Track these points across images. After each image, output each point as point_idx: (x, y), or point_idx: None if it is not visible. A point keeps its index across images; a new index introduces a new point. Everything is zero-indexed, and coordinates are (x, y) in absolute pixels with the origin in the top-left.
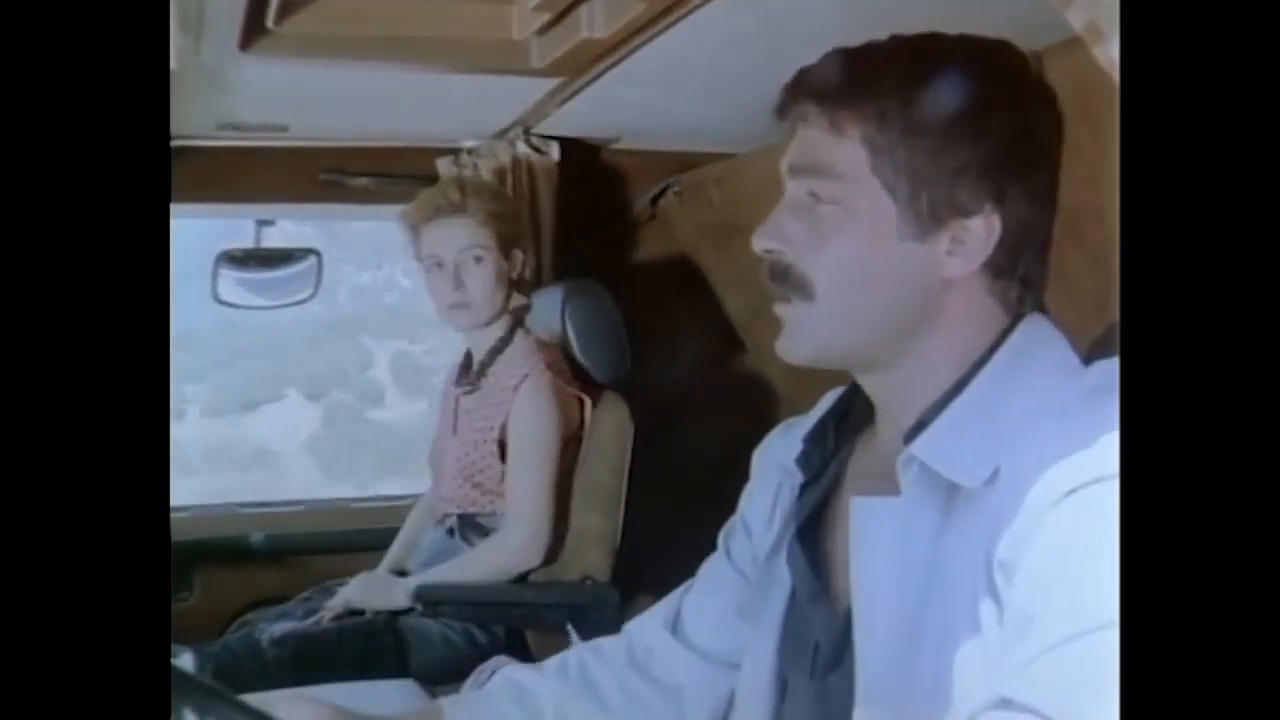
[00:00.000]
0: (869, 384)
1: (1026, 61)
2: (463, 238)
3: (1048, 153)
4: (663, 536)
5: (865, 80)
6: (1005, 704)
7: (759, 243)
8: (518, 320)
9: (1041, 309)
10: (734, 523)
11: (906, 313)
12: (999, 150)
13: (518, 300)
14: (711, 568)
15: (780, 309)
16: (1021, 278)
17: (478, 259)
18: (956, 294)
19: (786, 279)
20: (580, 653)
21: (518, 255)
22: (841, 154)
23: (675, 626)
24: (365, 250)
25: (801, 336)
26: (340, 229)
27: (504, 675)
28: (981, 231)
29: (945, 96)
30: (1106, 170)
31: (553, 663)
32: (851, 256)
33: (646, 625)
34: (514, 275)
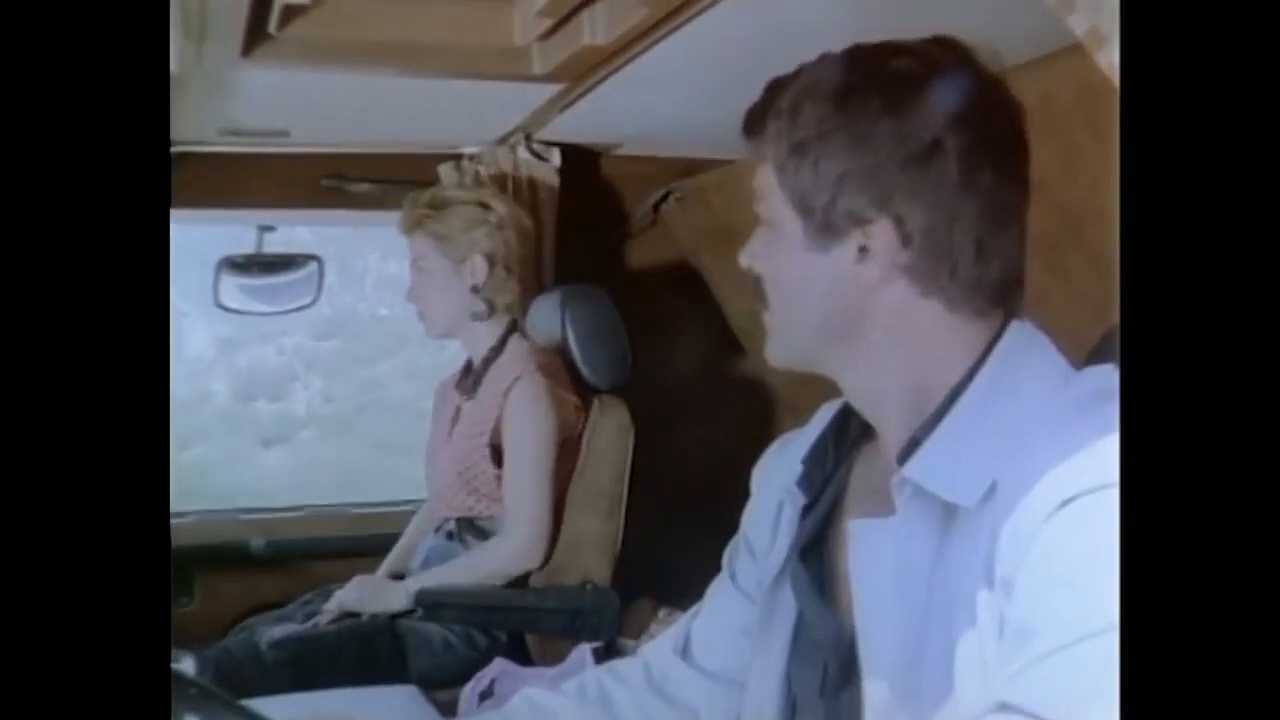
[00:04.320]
0: (852, 396)
1: (936, 58)
2: (413, 250)
3: (946, 148)
4: (663, 540)
5: (774, 103)
6: (1003, 708)
7: (742, 260)
8: (512, 326)
9: (1015, 307)
10: (737, 543)
11: (837, 319)
12: (877, 156)
13: (477, 307)
14: (717, 591)
15: (765, 318)
16: (965, 279)
17: (421, 270)
18: (883, 300)
19: (758, 291)
20: (598, 674)
21: (471, 267)
22: (765, 175)
23: (685, 651)
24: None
25: (771, 342)
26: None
27: (523, 696)
28: (881, 237)
29: (821, 109)
30: (1107, 174)
31: (571, 684)
32: (782, 269)
33: (659, 649)
34: (474, 284)
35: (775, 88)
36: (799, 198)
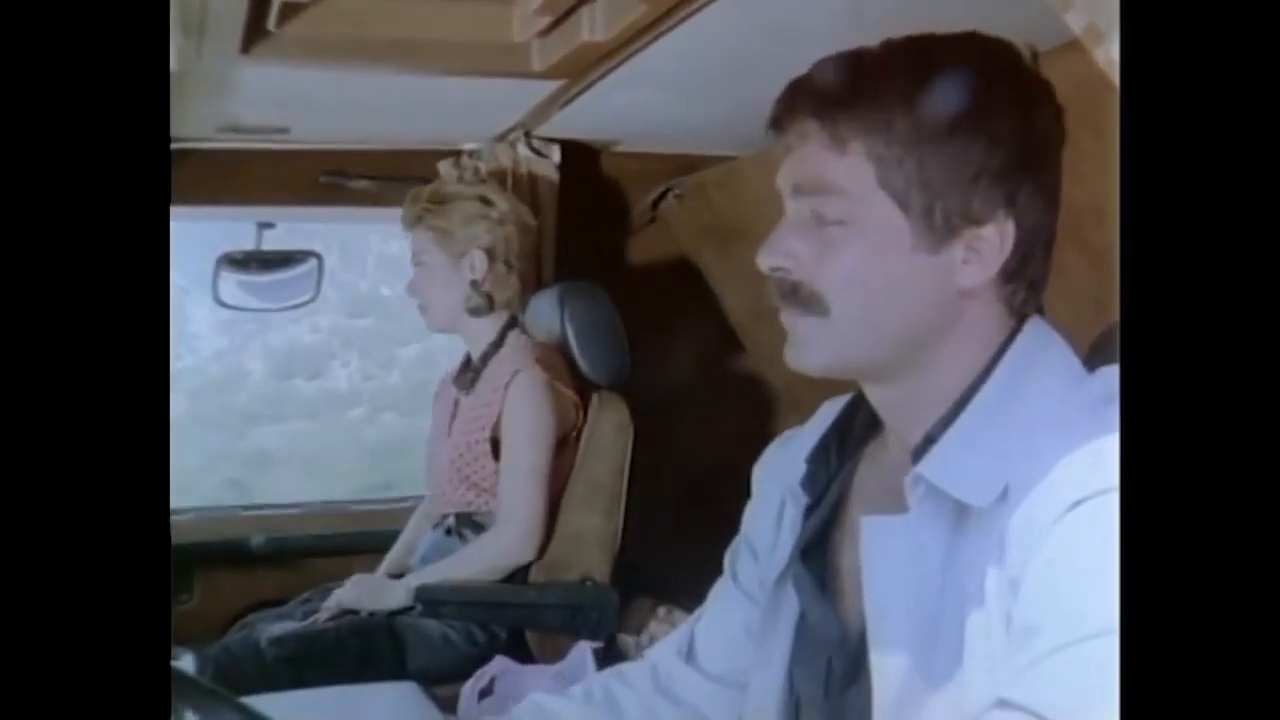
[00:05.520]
0: (877, 397)
1: (1023, 58)
2: (413, 245)
3: (1053, 150)
4: (663, 537)
5: (865, 90)
6: (1004, 705)
7: (765, 261)
8: (511, 322)
9: (1039, 309)
10: (738, 544)
11: (925, 324)
12: (1010, 153)
13: (475, 302)
14: (719, 593)
15: (788, 320)
16: (1029, 280)
17: (422, 264)
18: (973, 302)
19: (796, 296)
20: (605, 679)
21: (470, 262)
22: (845, 170)
23: (689, 654)
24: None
25: (815, 350)
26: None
27: (531, 701)
28: (995, 238)
29: (952, 101)
30: (1107, 171)
31: (578, 689)
32: (864, 272)
33: (664, 652)
34: (473, 279)
35: (849, 72)
36: (914, 196)
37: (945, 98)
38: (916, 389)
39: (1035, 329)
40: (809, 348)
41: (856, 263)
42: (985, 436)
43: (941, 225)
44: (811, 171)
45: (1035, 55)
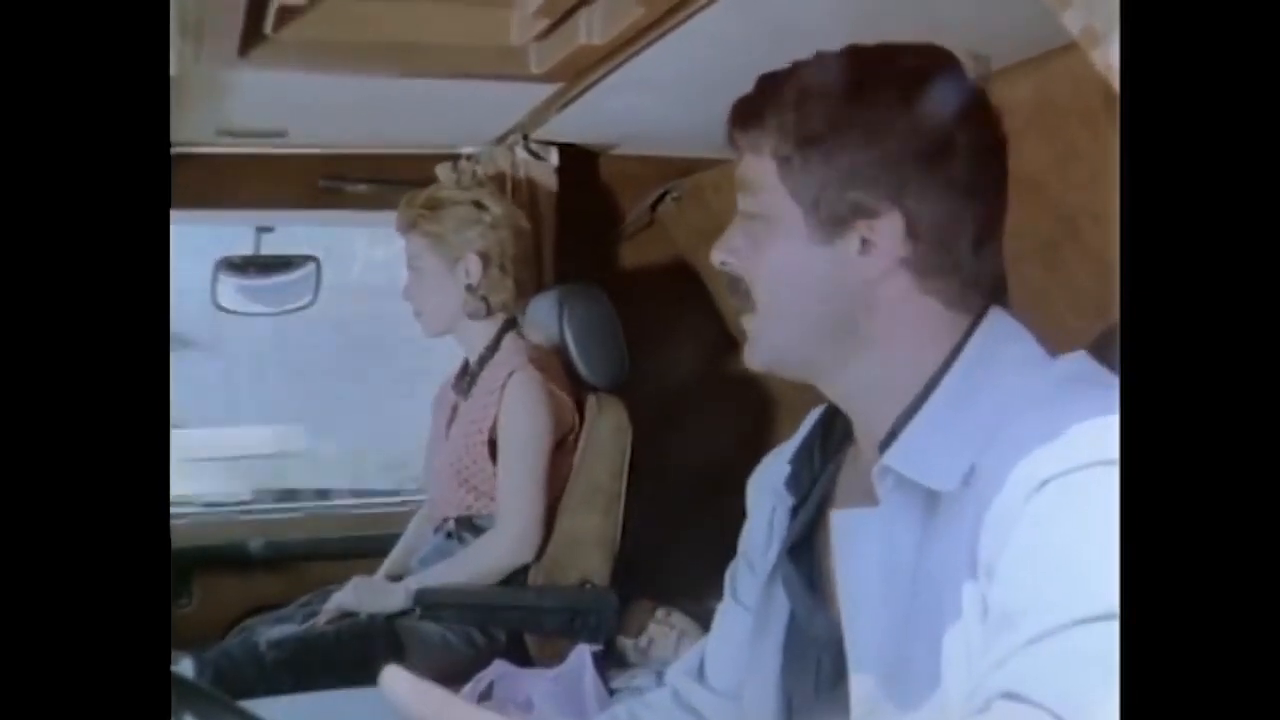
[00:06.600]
0: (834, 395)
1: (938, 61)
2: (408, 250)
3: (956, 146)
4: (662, 540)
5: (772, 97)
6: (1009, 697)
7: (714, 256)
8: (507, 325)
9: (1001, 304)
10: (736, 563)
11: (836, 314)
12: (892, 149)
13: (471, 306)
14: (722, 614)
15: (743, 320)
16: (963, 276)
17: (416, 269)
18: (884, 294)
19: (738, 290)
20: (629, 704)
21: (465, 267)
22: (760, 169)
23: (700, 674)
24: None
25: (756, 346)
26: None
27: None
28: (887, 230)
29: (833, 103)
30: (1106, 172)
31: (602, 717)
32: (777, 264)
33: (679, 673)
34: (468, 283)
35: (769, 82)
36: (803, 190)
37: (826, 99)
38: (866, 386)
39: (995, 321)
40: (751, 345)
41: (771, 255)
42: (949, 424)
43: (828, 216)
44: (743, 172)
45: (980, 59)
